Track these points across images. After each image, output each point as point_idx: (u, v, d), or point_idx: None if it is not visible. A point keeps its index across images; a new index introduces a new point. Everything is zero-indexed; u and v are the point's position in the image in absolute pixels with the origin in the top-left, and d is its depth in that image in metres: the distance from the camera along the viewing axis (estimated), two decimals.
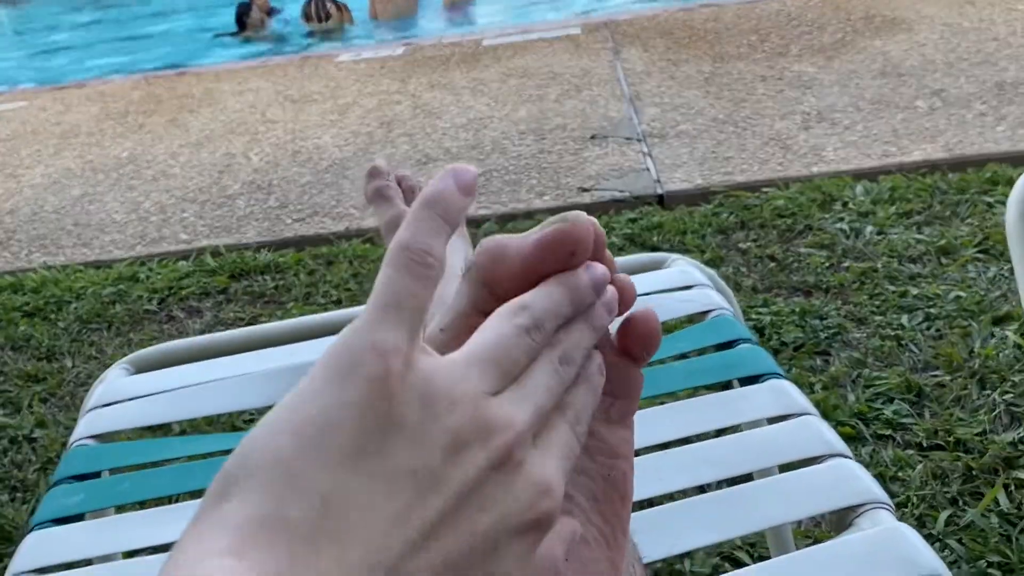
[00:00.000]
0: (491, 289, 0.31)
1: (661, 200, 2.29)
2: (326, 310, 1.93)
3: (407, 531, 0.23)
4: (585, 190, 2.39)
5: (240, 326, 1.93)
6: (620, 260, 1.00)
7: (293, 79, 4.21)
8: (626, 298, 0.32)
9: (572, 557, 0.30)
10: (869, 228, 1.98)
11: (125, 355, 1.87)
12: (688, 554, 1.15)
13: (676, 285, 0.96)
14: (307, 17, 6.87)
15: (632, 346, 0.33)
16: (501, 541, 0.25)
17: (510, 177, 2.58)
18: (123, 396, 0.99)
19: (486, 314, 0.29)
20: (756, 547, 1.16)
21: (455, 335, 0.30)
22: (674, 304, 0.92)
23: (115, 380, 1.02)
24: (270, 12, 7.68)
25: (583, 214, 0.30)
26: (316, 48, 6.08)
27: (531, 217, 2.29)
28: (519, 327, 0.28)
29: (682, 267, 0.99)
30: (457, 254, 0.88)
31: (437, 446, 0.24)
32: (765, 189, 2.23)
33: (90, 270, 2.32)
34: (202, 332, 1.92)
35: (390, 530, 0.23)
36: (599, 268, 0.31)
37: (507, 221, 2.29)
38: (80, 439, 0.94)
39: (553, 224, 0.30)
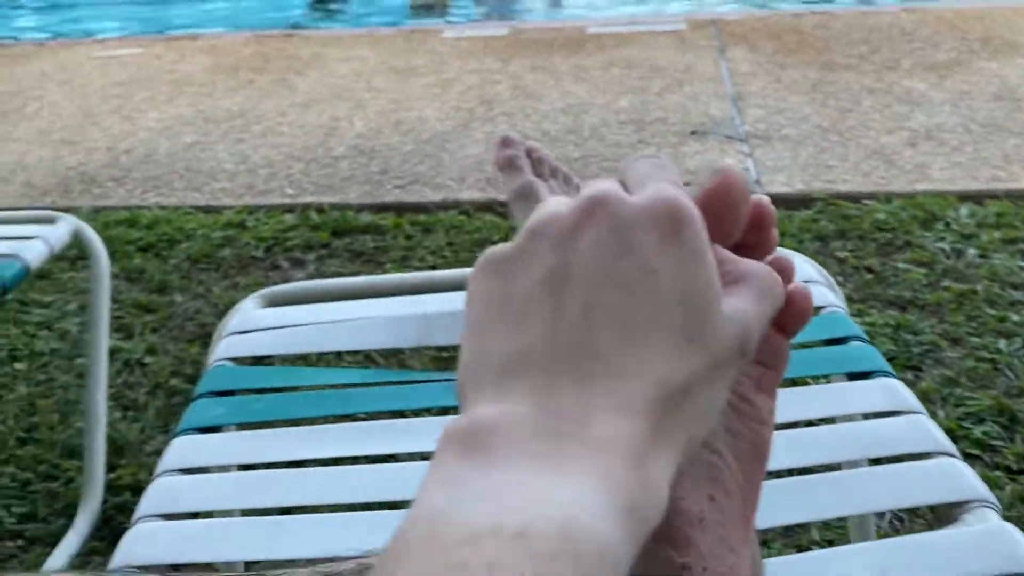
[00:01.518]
0: None
1: None
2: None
3: (570, 317, 0.27)
4: (684, 184, 2.40)
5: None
6: None
7: (398, 51, 4.31)
8: (787, 275, 0.36)
9: (714, 505, 0.34)
10: (971, 250, 1.95)
11: (232, 296, 1.98)
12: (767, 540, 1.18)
13: None
14: None
15: (788, 320, 0.36)
16: (654, 263, 0.27)
17: (607, 164, 2.61)
18: (256, 326, 1.07)
19: None
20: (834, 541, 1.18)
21: None
22: None
23: (248, 311, 1.10)
24: None
25: (732, 164, 0.34)
26: (421, 22, 6.17)
27: None
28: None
29: (796, 263, 1.01)
30: None
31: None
32: (866, 201, 2.21)
33: (200, 214, 2.44)
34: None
35: (558, 326, 0.27)
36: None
37: None
38: (219, 359, 1.02)
39: (713, 174, 0.33)
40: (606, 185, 0.29)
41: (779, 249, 1.08)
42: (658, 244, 0.27)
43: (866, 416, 0.81)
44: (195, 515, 0.75)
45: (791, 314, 0.36)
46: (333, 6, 7.30)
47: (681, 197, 0.28)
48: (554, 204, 0.30)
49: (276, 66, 4.19)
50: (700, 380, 0.27)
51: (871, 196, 2.24)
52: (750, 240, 0.35)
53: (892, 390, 0.82)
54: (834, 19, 4.35)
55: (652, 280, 0.27)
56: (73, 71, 4.43)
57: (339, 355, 1.61)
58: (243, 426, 0.90)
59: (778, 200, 2.26)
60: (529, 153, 1.10)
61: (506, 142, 1.07)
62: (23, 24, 8.54)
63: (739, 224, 0.33)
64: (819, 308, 0.94)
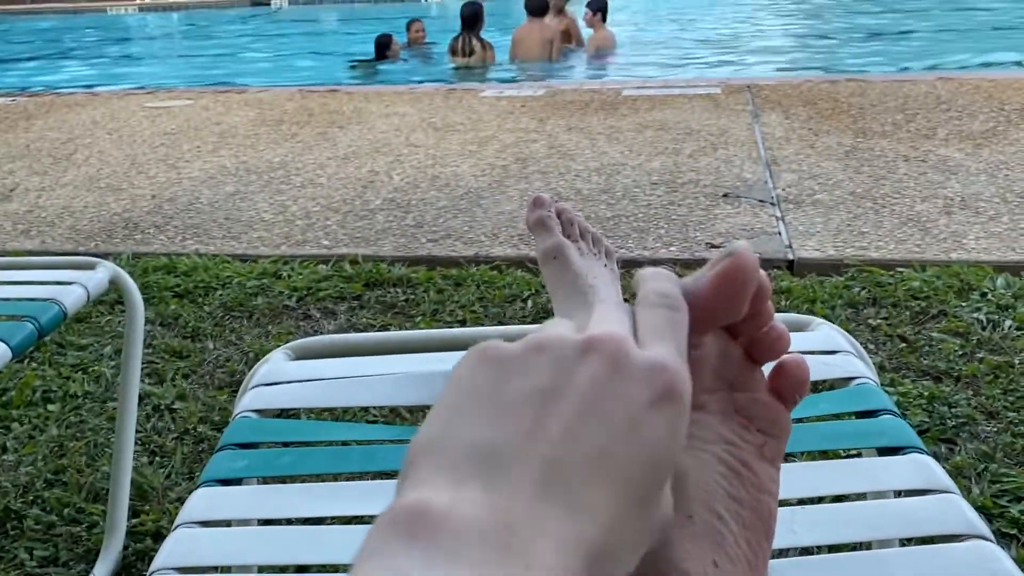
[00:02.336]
0: None
1: (791, 266, 2.28)
2: (451, 328, 2.01)
3: (550, 433, 0.27)
4: (714, 246, 2.40)
5: (371, 332, 2.03)
6: None
7: (438, 108, 4.40)
8: (781, 344, 0.36)
9: (718, 571, 0.34)
10: (1008, 322, 1.92)
11: (262, 344, 2.00)
12: None
13: (820, 348, 0.97)
14: (452, 52, 7.16)
15: (784, 387, 0.36)
16: (640, 418, 0.28)
17: (638, 224, 2.62)
18: (283, 378, 1.08)
19: None
20: None
21: None
22: (818, 367, 0.93)
23: (277, 363, 1.11)
24: (420, 42, 8.04)
25: (746, 244, 0.35)
26: (461, 82, 6.31)
27: (656, 264, 2.31)
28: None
29: (827, 332, 1.00)
30: (609, 285, 0.93)
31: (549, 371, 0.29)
32: (900, 269, 2.19)
33: (237, 262, 2.48)
34: (335, 333, 2.04)
35: (536, 437, 0.27)
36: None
37: (632, 267, 2.32)
38: (244, 411, 1.02)
39: (726, 256, 0.34)
40: (617, 331, 0.30)
41: (810, 317, 1.06)
42: (648, 404, 0.28)
43: (897, 493, 0.80)
44: (212, 569, 0.75)
45: (786, 383, 0.37)
46: (374, 68, 7.50)
47: (681, 372, 0.29)
48: (563, 327, 0.31)
49: (319, 120, 4.30)
50: (629, 549, 0.28)
51: (905, 264, 2.21)
52: (747, 312, 0.36)
53: (924, 467, 0.80)
54: (869, 86, 4.37)
55: (634, 432, 0.28)
56: (123, 120, 4.58)
57: (365, 409, 1.62)
58: (265, 479, 0.90)
59: (810, 265, 2.25)
60: (560, 214, 1.12)
61: (538, 202, 1.08)
62: (77, 73, 8.88)
63: (746, 303, 0.34)
64: (849, 379, 0.93)
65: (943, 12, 10.69)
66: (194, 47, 11.85)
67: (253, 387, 1.08)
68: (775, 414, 0.37)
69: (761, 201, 2.76)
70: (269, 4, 18.92)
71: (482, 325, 2.06)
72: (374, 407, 1.57)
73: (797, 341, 1.01)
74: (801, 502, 0.79)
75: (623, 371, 0.29)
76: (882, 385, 1.70)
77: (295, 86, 5.66)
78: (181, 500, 1.50)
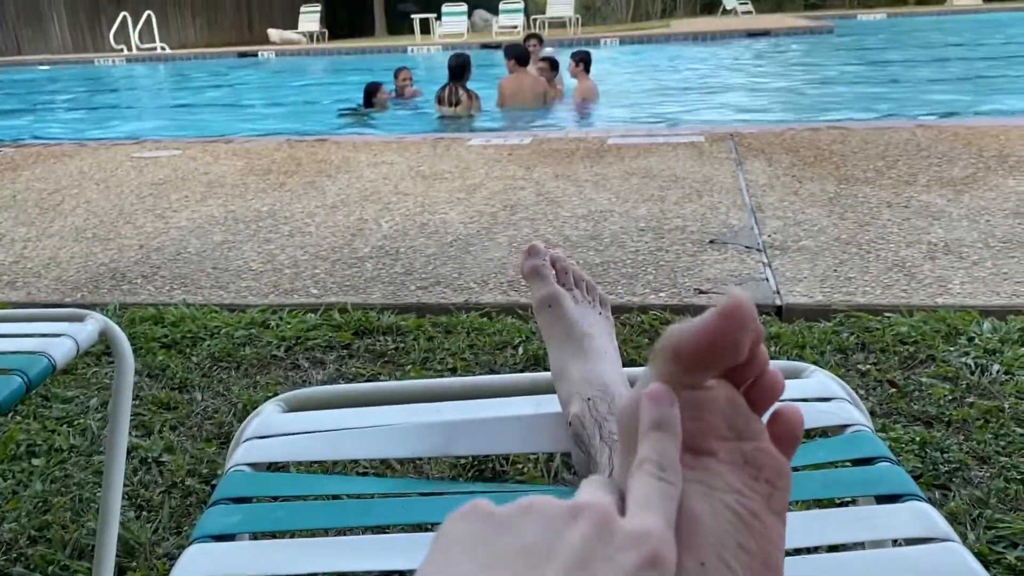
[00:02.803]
0: (680, 363, 0.36)
1: (779, 312, 2.30)
2: (442, 376, 2.00)
3: None
4: (702, 292, 2.42)
5: (360, 382, 2.02)
6: None
7: (426, 156, 4.44)
8: (777, 390, 0.38)
9: None
10: (996, 366, 1.93)
11: (251, 395, 1.98)
12: None
13: (814, 395, 0.98)
14: (439, 101, 7.26)
15: (782, 435, 0.37)
16: None
17: (627, 270, 2.64)
18: (275, 431, 1.07)
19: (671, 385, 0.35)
20: None
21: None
22: (813, 414, 0.94)
23: (269, 415, 1.10)
24: (411, 94, 8.16)
25: (740, 291, 0.36)
26: (448, 131, 6.39)
27: (645, 312, 2.32)
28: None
29: (820, 379, 1.01)
30: (604, 335, 0.93)
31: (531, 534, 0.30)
32: (888, 314, 2.21)
33: (225, 312, 2.47)
34: (324, 383, 2.02)
35: None
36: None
37: (622, 312, 2.33)
38: (236, 465, 1.01)
39: (726, 299, 0.35)
40: (604, 499, 0.32)
41: (803, 363, 1.06)
42: (635, 568, 0.30)
43: (896, 542, 0.79)
44: None
45: (784, 431, 0.37)
46: (364, 115, 7.59)
47: (667, 540, 0.31)
48: (549, 498, 0.33)
49: (307, 169, 4.33)
50: None
51: (892, 309, 2.23)
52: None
53: (924, 515, 0.80)
54: (851, 134, 4.46)
55: None
56: (111, 171, 4.59)
57: (356, 460, 1.60)
58: (258, 535, 0.89)
59: (798, 311, 2.27)
60: (554, 263, 1.13)
61: (532, 251, 1.09)
62: (65, 124, 8.91)
63: (747, 342, 0.35)
64: (845, 427, 0.93)
65: (923, 62, 10.96)
66: (182, 97, 11.95)
67: (246, 440, 1.07)
68: (780, 464, 0.37)
69: (748, 247, 2.78)
70: (256, 55, 19.15)
71: (472, 372, 2.05)
72: (369, 460, 1.55)
73: (791, 388, 1.01)
74: (798, 552, 0.79)
75: (610, 536, 0.30)
76: (875, 431, 1.70)
77: (283, 135, 5.71)
78: (169, 556, 1.47)
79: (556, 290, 0.97)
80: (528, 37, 8.10)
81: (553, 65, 7.70)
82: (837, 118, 6.30)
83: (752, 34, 16.52)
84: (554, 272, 1.09)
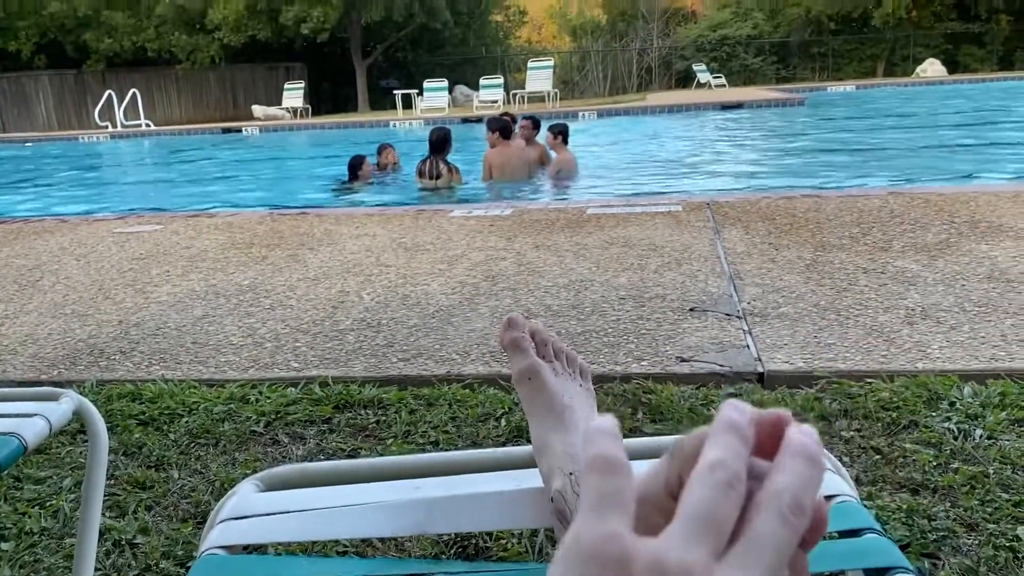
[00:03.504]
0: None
1: (761, 379, 2.30)
2: (424, 450, 1.97)
3: None
4: (684, 360, 2.42)
5: (341, 457, 1.99)
6: None
7: (408, 228, 4.47)
8: (822, 530, 0.34)
9: None
10: (979, 431, 1.93)
11: (228, 473, 1.94)
12: None
13: None
14: (420, 174, 7.36)
15: (809, 533, 0.36)
16: None
17: (609, 339, 2.64)
18: (252, 511, 1.04)
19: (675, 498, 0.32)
20: None
21: (644, 516, 0.33)
22: None
23: (245, 495, 1.08)
24: (394, 166, 8.27)
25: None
26: (429, 203, 6.46)
27: (628, 380, 2.32)
28: (720, 483, 0.30)
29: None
30: (586, 407, 0.92)
31: None
32: (869, 380, 2.22)
33: (204, 387, 2.44)
34: (304, 459, 1.99)
35: None
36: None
37: (604, 381, 2.33)
38: (211, 548, 0.98)
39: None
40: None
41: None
42: None
43: None
44: None
45: (812, 528, 0.36)
46: (352, 188, 7.66)
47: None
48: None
49: (289, 242, 4.34)
50: None
51: (873, 375, 2.24)
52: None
53: None
54: (825, 202, 4.54)
55: None
56: (91, 246, 4.59)
57: (336, 539, 1.56)
58: None
59: (780, 378, 2.27)
60: (534, 335, 1.13)
61: (511, 323, 1.09)
62: (48, 200, 8.92)
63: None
64: (831, 497, 0.92)
65: (892, 131, 11.27)
66: (166, 173, 12.03)
67: (221, 521, 1.05)
68: (799, 562, 0.35)
69: (728, 315, 2.80)
70: (241, 131, 19.40)
71: (455, 445, 2.02)
72: (350, 540, 1.52)
73: None
74: None
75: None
76: (860, 499, 1.69)
77: (266, 209, 5.74)
78: None
79: (536, 362, 0.97)
80: (524, 118, 8.19)
81: (535, 124, 7.86)
82: (811, 185, 6.44)
83: (726, 106, 16.97)
84: (534, 344, 1.10)
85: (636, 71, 30.63)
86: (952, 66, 27.22)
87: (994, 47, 29.22)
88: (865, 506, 1.51)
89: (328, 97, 28.15)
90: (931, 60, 26.15)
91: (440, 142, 7.29)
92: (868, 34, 30.32)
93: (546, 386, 0.88)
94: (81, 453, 2.06)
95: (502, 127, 7.30)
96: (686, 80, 28.69)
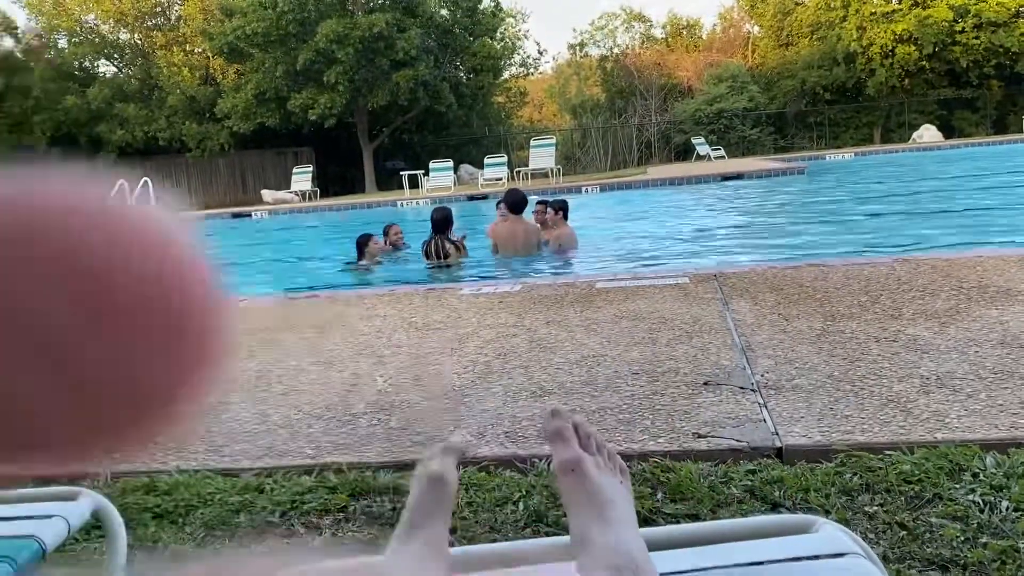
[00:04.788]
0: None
1: (780, 453, 2.27)
2: None
3: None
4: (701, 436, 2.40)
5: (357, 548, 1.96)
6: (764, 520, 1.01)
7: (418, 308, 4.50)
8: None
9: None
10: (1005, 503, 1.90)
11: None
12: None
13: (826, 552, 0.96)
14: (427, 255, 7.44)
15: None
16: None
17: (624, 416, 2.63)
18: None
19: None
20: None
21: None
22: (827, 572, 0.92)
23: None
24: (399, 246, 8.36)
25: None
26: (438, 282, 6.51)
27: (646, 459, 2.30)
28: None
29: (831, 532, 0.99)
30: (626, 504, 0.91)
31: None
32: (888, 451, 2.19)
33: (219, 477, 2.43)
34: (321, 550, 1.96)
35: None
36: None
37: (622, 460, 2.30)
38: None
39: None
40: None
41: (812, 517, 1.04)
42: None
43: None
44: None
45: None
46: (366, 267, 7.74)
47: None
48: None
49: (300, 326, 4.37)
50: None
51: (892, 447, 2.22)
52: None
53: None
54: (831, 271, 4.56)
55: None
56: None
57: None
58: None
59: (798, 452, 2.25)
60: (576, 428, 1.11)
61: (555, 414, 1.08)
62: None
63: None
64: None
65: (892, 196, 11.38)
66: None
67: None
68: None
69: (742, 388, 2.79)
70: (251, 215, 19.71)
71: (472, 532, 2.00)
72: None
73: (802, 545, 0.99)
74: None
75: None
76: None
77: (276, 293, 5.79)
78: None
79: (580, 454, 0.95)
80: (538, 203, 8.31)
81: (550, 205, 7.96)
82: (815, 253, 6.48)
83: (726, 177, 17.21)
84: (577, 437, 1.08)
85: (636, 145, 31.20)
86: (947, 131, 27.67)
87: (987, 111, 29.75)
88: None
89: (336, 179, 28.66)
90: (927, 126, 26.61)
91: (442, 221, 7.39)
92: (863, 103, 30.95)
93: (589, 479, 0.87)
94: (96, 550, 2.04)
95: (514, 200, 7.36)
96: (685, 153, 29.18)
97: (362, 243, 7.80)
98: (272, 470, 2.44)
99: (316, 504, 2.19)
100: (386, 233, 8.48)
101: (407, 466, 2.41)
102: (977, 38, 28.05)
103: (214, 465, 2.53)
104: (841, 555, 0.95)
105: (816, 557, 0.95)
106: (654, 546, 0.93)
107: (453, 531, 2.01)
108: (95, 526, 2.11)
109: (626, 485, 0.89)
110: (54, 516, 1.30)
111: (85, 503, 1.35)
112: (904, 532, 1.83)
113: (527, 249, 7.35)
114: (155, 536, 2.09)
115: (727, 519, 1.83)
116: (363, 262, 7.75)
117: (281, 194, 23.60)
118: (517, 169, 21.63)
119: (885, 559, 1.74)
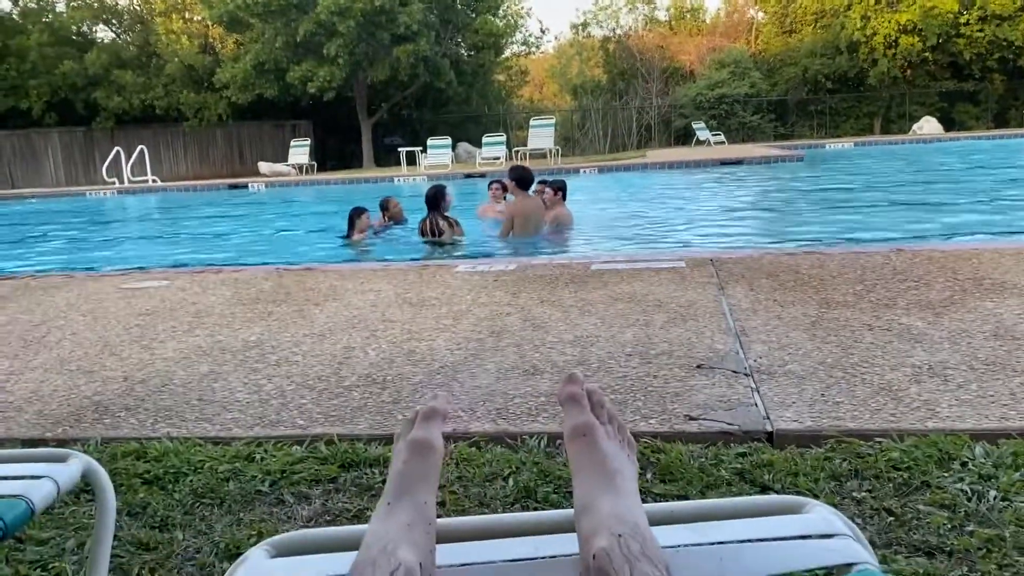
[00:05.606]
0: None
1: (770, 438, 2.28)
2: None
3: None
4: (693, 418, 2.41)
5: (347, 517, 1.96)
6: (756, 500, 1.01)
7: (412, 284, 4.49)
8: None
9: None
10: (993, 492, 1.91)
11: (233, 534, 1.92)
12: None
13: (816, 532, 0.96)
14: (422, 232, 7.42)
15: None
16: None
17: (616, 397, 2.63)
18: None
19: None
20: None
21: None
22: (817, 552, 0.92)
23: (257, 561, 1.06)
24: (398, 219, 8.33)
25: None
26: (433, 258, 6.49)
27: (637, 439, 2.30)
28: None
29: (822, 514, 0.99)
30: (632, 477, 0.90)
31: None
32: (878, 439, 2.20)
33: (209, 445, 2.42)
34: (310, 520, 1.97)
35: None
36: None
37: None
38: None
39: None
40: None
41: (803, 499, 1.04)
42: None
43: None
44: None
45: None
46: (363, 240, 7.71)
47: None
48: None
49: (295, 298, 4.35)
50: None
51: (882, 434, 2.23)
52: None
53: None
54: (828, 259, 4.56)
55: None
56: (98, 302, 4.60)
57: None
58: None
59: (789, 437, 2.26)
60: (590, 395, 1.10)
61: (572, 379, 1.07)
62: (56, 256, 8.98)
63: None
64: (851, 565, 0.91)
65: (889, 187, 11.38)
66: (172, 228, 12.12)
67: None
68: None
69: (735, 372, 2.79)
70: (247, 187, 19.61)
71: (462, 506, 2.00)
72: None
73: (793, 524, 0.99)
74: None
75: None
76: (875, 562, 1.66)
77: (272, 265, 5.77)
78: None
79: (592, 421, 0.94)
80: (540, 182, 8.23)
81: (549, 185, 7.94)
82: (810, 240, 6.48)
83: (725, 163, 17.18)
84: (590, 404, 1.07)
85: (636, 128, 31.08)
86: (948, 123, 27.63)
87: (988, 105, 29.70)
88: (883, 571, 1.49)
89: (334, 154, 28.52)
90: (927, 118, 26.57)
91: (434, 199, 7.38)
92: (864, 92, 30.85)
93: (598, 446, 0.86)
94: (85, 513, 2.04)
95: (520, 176, 7.31)
96: (685, 137, 29.09)
97: (353, 217, 7.77)
98: (263, 440, 2.44)
99: (306, 474, 2.19)
100: (384, 207, 8.45)
101: None
102: (981, 31, 27.95)
103: (205, 433, 2.52)
104: (830, 536, 0.95)
105: (806, 537, 0.95)
106: (650, 522, 0.93)
107: (442, 504, 2.01)
108: (84, 489, 2.12)
109: (633, 459, 0.88)
110: (43, 477, 1.29)
111: (75, 465, 1.34)
112: (892, 518, 1.84)
113: (538, 227, 7.33)
114: (144, 501, 2.09)
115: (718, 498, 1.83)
116: (355, 237, 7.73)
117: (278, 167, 23.48)
118: (516, 149, 21.54)
119: (872, 544, 1.75)
